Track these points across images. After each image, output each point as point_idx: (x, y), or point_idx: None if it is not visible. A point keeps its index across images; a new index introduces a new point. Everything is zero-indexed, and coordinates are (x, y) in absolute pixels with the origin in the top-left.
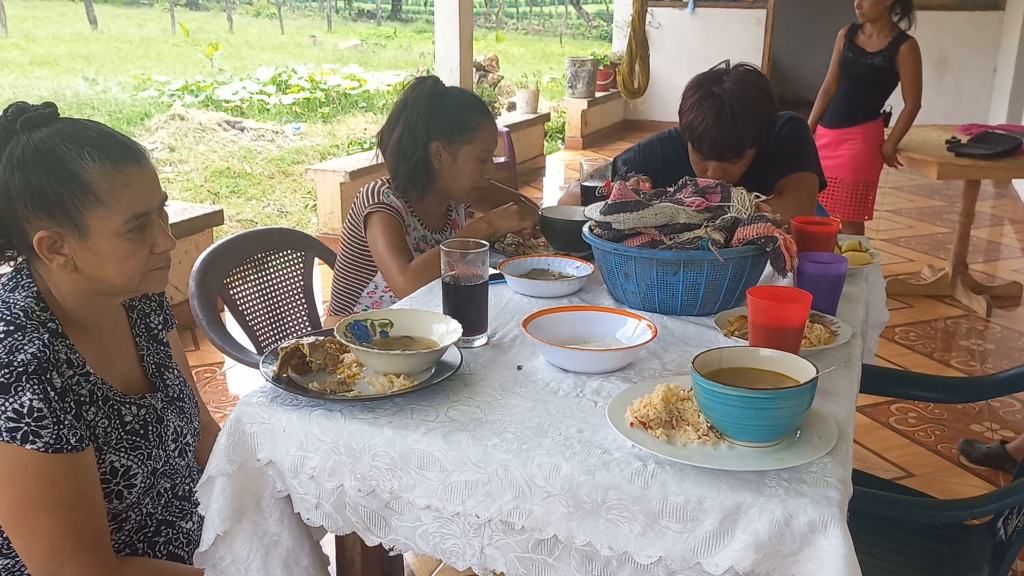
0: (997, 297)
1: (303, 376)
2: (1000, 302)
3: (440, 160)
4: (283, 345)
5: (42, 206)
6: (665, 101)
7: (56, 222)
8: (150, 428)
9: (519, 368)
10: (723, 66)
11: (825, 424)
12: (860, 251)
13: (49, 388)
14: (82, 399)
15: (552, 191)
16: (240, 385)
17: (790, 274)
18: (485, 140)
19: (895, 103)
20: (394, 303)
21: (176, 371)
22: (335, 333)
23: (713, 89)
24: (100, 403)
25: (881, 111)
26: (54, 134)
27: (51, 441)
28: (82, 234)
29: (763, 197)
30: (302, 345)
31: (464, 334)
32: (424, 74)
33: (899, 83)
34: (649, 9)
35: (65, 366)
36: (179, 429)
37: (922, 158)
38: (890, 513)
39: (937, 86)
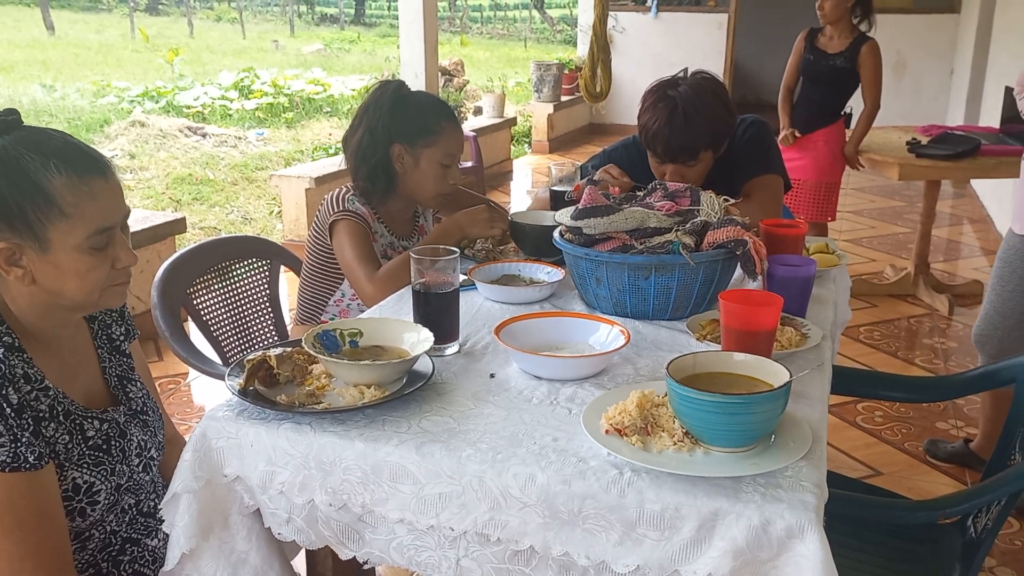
0: (958, 295)
1: (271, 389)
2: (961, 300)
3: (402, 163)
4: (249, 357)
5: (2, 216)
6: (630, 104)
7: (16, 233)
8: (113, 443)
9: (492, 376)
10: (681, 73)
11: (799, 428)
12: (827, 253)
13: (4, 404)
14: (41, 415)
15: (520, 195)
16: (205, 397)
17: (760, 277)
18: (448, 144)
19: (855, 105)
20: (362, 311)
21: (139, 383)
22: (303, 344)
23: (668, 92)
24: (61, 418)
25: (842, 113)
26: (17, 142)
27: (8, 460)
28: (43, 247)
29: (731, 200)
30: (269, 357)
31: (435, 342)
32: (390, 78)
33: (860, 84)
34: (613, 14)
35: (22, 381)
36: (143, 443)
37: (883, 159)
38: (863, 514)
39: (896, 88)
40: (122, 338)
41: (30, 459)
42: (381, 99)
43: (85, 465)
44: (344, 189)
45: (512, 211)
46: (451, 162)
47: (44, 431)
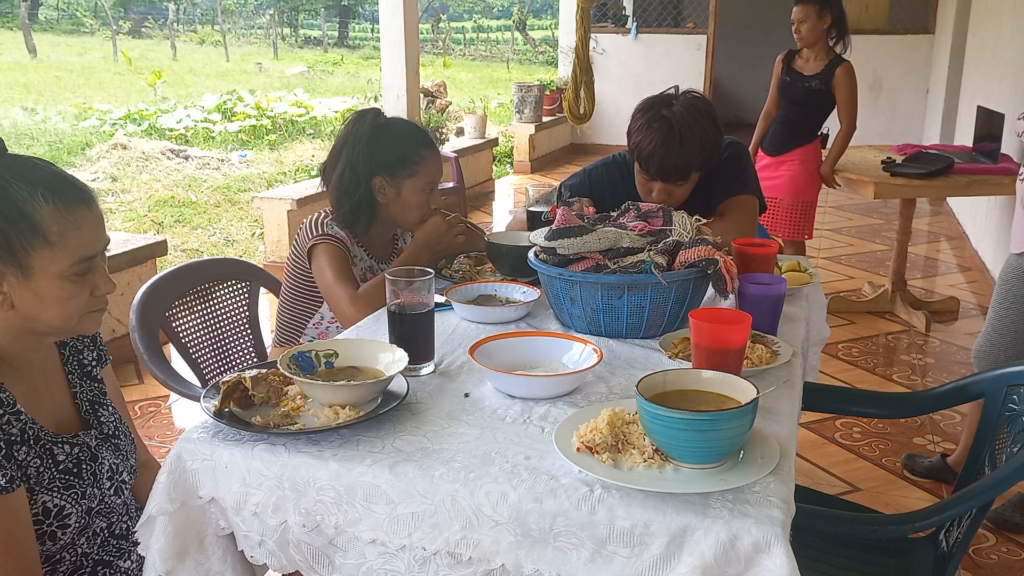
0: (935, 312)
1: (246, 410)
2: (938, 317)
3: (384, 194)
4: (224, 379)
5: None
6: (610, 125)
7: None
8: (84, 466)
9: (466, 396)
10: (672, 91)
11: (767, 444)
12: (799, 271)
13: None
14: (12, 439)
15: (502, 215)
16: (185, 419)
17: (731, 295)
18: (428, 172)
19: (832, 125)
20: (340, 334)
21: (111, 408)
22: (278, 365)
23: (663, 112)
24: (31, 443)
25: (818, 133)
26: (4, 170)
27: None
28: (25, 274)
29: (704, 220)
30: (244, 378)
31: (410, 362)
32: (366, 106)
33: (836, 105)
34: (594, 36)
35: None
36: (114, 467)
37: (859, 178)
38: (833, 529)
39: (872, 107)
40: (94, 363)
41: (1, 482)
42: (359, 132)
43: (55, 489)
44: (323, 213)
45: (490, 232)
46: (432, 188)
47: (16, 455)
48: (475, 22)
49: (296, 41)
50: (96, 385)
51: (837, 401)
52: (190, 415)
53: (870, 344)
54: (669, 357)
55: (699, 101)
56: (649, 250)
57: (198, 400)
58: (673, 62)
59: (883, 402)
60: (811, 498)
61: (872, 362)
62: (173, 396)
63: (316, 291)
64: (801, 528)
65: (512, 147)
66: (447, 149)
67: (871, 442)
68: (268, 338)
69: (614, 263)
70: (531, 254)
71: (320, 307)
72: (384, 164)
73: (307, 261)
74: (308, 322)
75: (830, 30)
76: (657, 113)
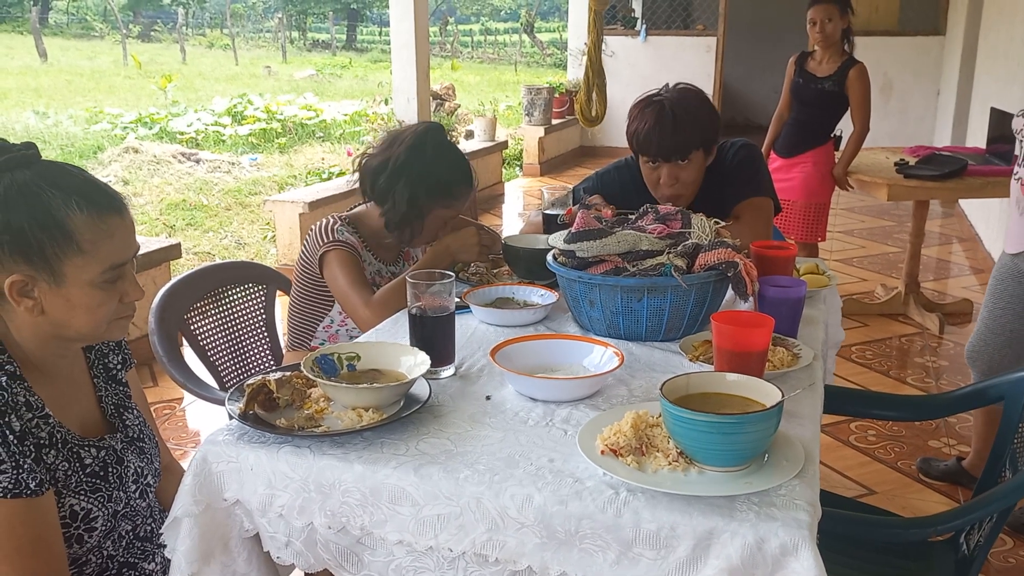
0: (949, 314)
1: (270, 412)
2: (952, 319)
3: None
4: (249, 382)
5: (20, 250)
6: (620, 127)
7: (31, 266)
8: (110, 470)
9: (488, 398)
10: (664, 86)
11: (792, 447)
12: (817, 274)
13: (8, 432)
14: (42, 442)
15: (511, 218)
16: (200, 421)
17: (751, 298)
18: (459, 207)
19: (845, 127)
20: (351, 338)
21: (135, 411)
22: (302, 368)
23: (654, 98)
24: (59, 446)
25: (832, 135)
26: (38, 178)
27: (10, 486)
28: (57, 281)
29: (722, 223)
30: (268, 381)
31: (432, 365)
32: (430, 122)
33: (849, 107)
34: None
35: (24, 409)
36: (139, 470)
37: (872, 180)
38: (856, 532)
39: (883, 109)
40: (119, 367)
41: (31, 485)
42: (423, 149)
43: (82, 492)
44: (331, 220)
45: (505, 234)
46: (451, 218)
47: (45, 458)
48: (482, 25)
49: (304, 44)
50: (121, 388)
51: (856, 404)
52: (205, 417)
53: (883, 347)
54: (690, 360)
55: (689, 88)
56: (668, 253)
57: (216, 402)
58: (682, 64)
59: (902, 405)
60: (828, 500)
61: (886, 364)
62: (188, 398)
63: (325, 295)
64: (822, 530)
65: (521, 150)
66: None
67: (886, 445)
68: (283, 341)
69: (633, 266)
70: (550, 257)
71: (330, 310)
72: (428, 186)
73: (318, 268)
74: (319, 325)
75: (845, 31)
76: (649, 100)
